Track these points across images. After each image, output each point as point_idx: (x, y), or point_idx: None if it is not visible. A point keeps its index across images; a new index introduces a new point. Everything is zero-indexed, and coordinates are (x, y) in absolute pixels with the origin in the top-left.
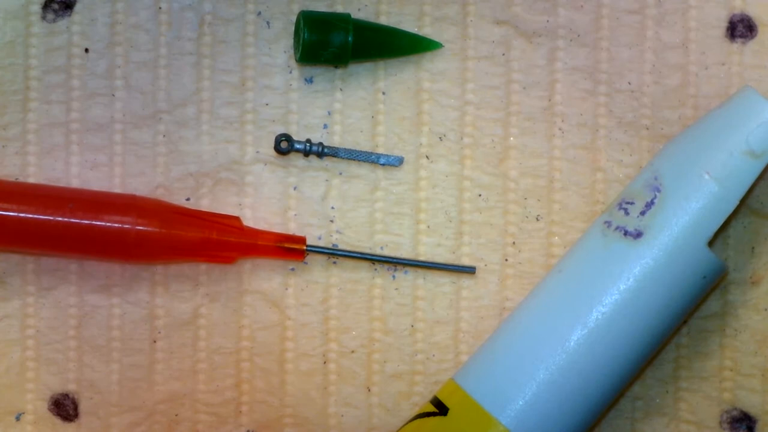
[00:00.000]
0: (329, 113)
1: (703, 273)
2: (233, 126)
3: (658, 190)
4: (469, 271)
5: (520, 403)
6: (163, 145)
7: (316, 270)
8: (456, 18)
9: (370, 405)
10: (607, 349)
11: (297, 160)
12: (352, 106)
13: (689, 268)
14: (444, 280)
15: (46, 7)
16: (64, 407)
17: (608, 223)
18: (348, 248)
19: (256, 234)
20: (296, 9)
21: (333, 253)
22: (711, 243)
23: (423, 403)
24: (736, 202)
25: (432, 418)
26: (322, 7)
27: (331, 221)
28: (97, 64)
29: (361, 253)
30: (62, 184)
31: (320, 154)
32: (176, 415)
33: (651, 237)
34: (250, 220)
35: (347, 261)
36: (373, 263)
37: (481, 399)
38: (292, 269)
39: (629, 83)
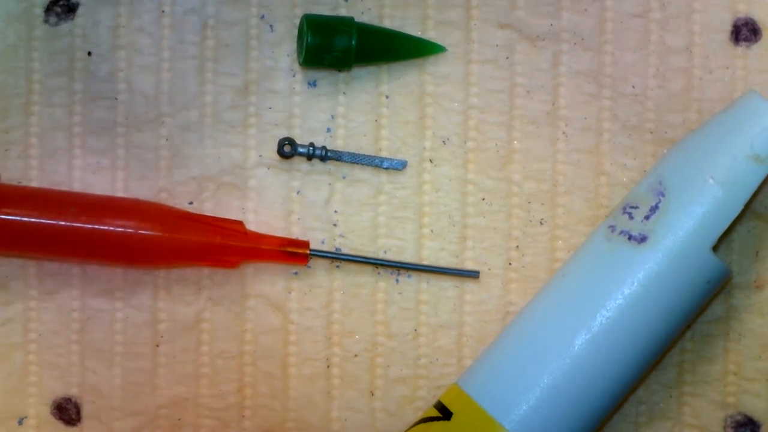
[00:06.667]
0: (332, 117)
1: (708, 277)
2: (236, 130)
3: (663, 195)
4: (473, 275)
5: (524, 407)
6: (165, 149)
7: (320, 274)
8: (459, 22)
9: (373, 409)
10: (611, 354)
11: (300, 164)
12: (355, 109)
13: (693, 273)
14: (447, 284)
15: (48, 10)
16: (67, 411)
17: (612, 228)
18: (351, 252)
19: (259, 238)
20: (299, 13)
21: (336, 257)
22: (715, 247)
23: (426, 408)
24: (741, 207)
25: (436, 423)
26: (325, 11)
27: (335, 225)
28: (100, 68)
29: (364, 257)
30: (65, 187)
31: (323, 158)
32: (179, 420)
33: (655, 241)
34: (253, 224)
35: (350, 265)
36: (377, 267)
37: (485, 403)
38: (296, 273)
39: (633, 87)
